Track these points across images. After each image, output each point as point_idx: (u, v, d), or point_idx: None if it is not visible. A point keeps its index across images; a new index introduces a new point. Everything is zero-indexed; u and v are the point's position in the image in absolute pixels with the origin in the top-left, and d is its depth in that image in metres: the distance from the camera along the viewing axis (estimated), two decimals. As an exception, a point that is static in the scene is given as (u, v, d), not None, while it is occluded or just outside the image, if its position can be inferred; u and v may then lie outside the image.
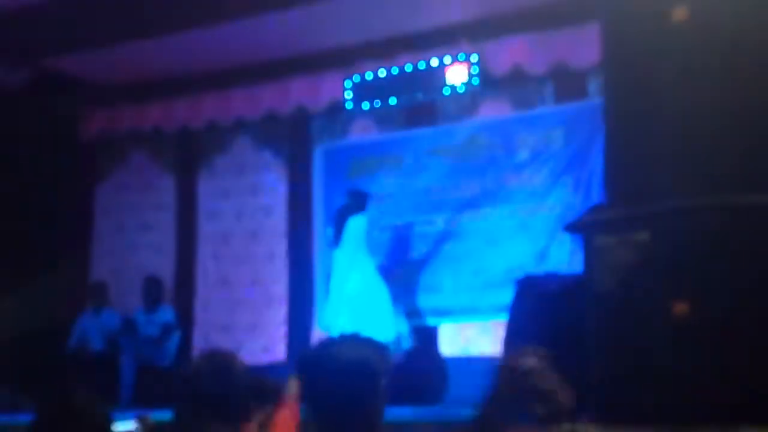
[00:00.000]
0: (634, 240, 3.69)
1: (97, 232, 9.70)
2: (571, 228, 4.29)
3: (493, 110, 8.21)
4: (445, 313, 8.11)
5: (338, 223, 7.69)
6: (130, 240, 9.54)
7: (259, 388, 2.92)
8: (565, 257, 7.54)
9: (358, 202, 7.74)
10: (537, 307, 4.41)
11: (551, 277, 5.01)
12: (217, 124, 9.13)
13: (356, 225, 7.59)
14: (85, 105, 9.44)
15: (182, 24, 7.94)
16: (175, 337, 8.67)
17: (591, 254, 3.91)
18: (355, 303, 7.36)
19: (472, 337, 8.05)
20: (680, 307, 3.60)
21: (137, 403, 7.55)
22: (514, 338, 4.67)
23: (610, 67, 4.22)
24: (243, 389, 2.54)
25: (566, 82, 7.88)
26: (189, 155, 9.49)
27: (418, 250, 8.29)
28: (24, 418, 2.55)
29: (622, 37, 4.14)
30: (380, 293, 7.52)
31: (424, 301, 8.18)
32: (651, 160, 3.77)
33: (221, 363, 2.53)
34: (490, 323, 7.71)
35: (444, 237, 8.18)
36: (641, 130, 3.87)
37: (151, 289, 8.77)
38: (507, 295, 6.03)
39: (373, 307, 7.38)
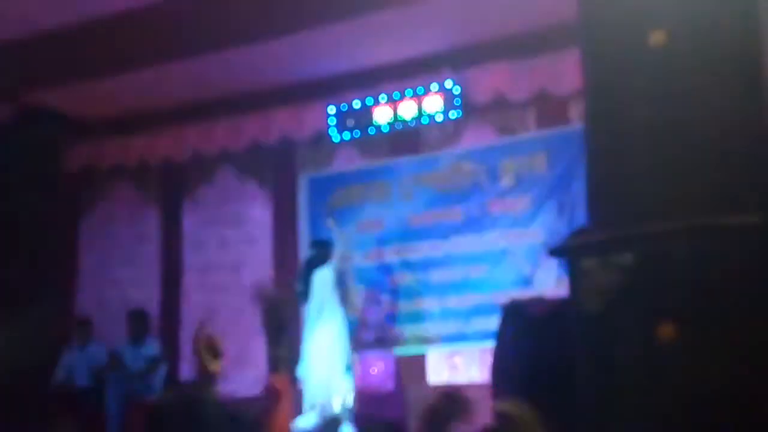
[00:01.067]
0: (618, 262, 3.69)
1: (81, 266, 9.65)
2: (556, 252, 4.30)
3: (476, 137, 8.26)
4: (432, 340, 8.10)
5: (305, 277, 7.65)
6: (114, 273, 9.49)
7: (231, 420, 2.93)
8: (551, 282, 7.57)
9: (322, 253, 7.72)
10: (523, 331, 4.41)
11: (537, 302, 5.02)
12: (201, 154, 9.14)
13: (322, 278, 7.56)
14: (68, 139, 9.44)
15: (164, 57, 7.97)
16: (162, 370, 8.61)
17: (576, 277, 3.91)
18: (324, 357, 7.28)
19: (459, 365, 8.03)
20: (664, 330, 3.60)
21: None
22: (501, 363, 4.68)
23: (589, 93, 4.24)
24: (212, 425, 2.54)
25: (548, 108, 7.95)
26: (173, 186, 9.49)
27: (403, 277, 8.29)
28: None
29: (601, 62, 4.17)
30: (342, 351, 7.43)
31: (411, 329, 8.17)
32: (632, 182, 3.79)
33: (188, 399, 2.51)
34: (478, 350, 7.71)
35: (429, 264, 8.20)
36: (621, 154, 3.89)
37: (137, 323, 8.72)
38: (494, 322, 6.05)
39: (336, 363, 7.28)
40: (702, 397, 3.63)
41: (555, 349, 4.15)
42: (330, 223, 8.00)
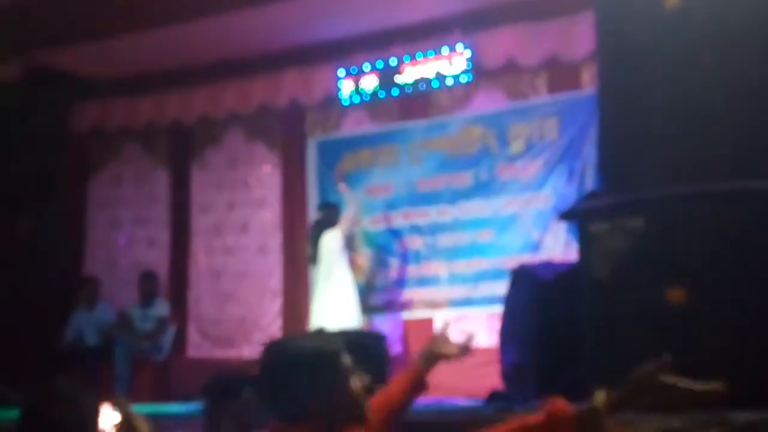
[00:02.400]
0: (628, 227, 3.69)
1: (90, 226, 9.68)
2: (566, 216, 4.29)
3: (487, 102, 8.21)
4: (440, 304, 8.11)
5: (313, 240, 7.67)
6: (124, 233, 9.52)
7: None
8: (559, 248, 7.55)
9: (329, 215, 7.73)
10: (532, 296, 4.41)
11: (546, 266, 5.01)
12: (209, 117, 9.11)
13: (330, 240, 7.56)
14: (77, 99, 9.41)
15: (174, 17, 7.92)
16: (170, 331, 8.66)
17: (585, 241, 3.91)
18: (334, 320, 7.29)
19: (467, 329, 8.03)
20: (674, 294, 3.60)
21: (132, 397, 7.53)
22: (510, 327, 4.68)
23: (603, 57, 4.22)
24: None
25: (559, 73, 7.88)
26: (182, 149, 9.48)
27: (412, 242, 8.29)
28: (15, 413, 2.54)
29: (615, 27, 4.14)
30: (351, 314, 7.44)
31: (419, 293, 8.19)
32: (645, 147, 3.77)
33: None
34: (485, 314, 7.72)
35: (438, 228, 8.19)
36: (635, 118, 3.87)
37: (146, 284, 8.77)
38: (501, 286, 6.05)
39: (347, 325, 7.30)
40: (710, 361, 3.64)
41: (563, 313, 4.16)
42: (342, 187, 8.00)
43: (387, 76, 8.31)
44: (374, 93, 8.37)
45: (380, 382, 2.46)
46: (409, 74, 8.22)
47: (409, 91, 8.27)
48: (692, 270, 3.64)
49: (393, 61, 8.25)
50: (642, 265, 3.69)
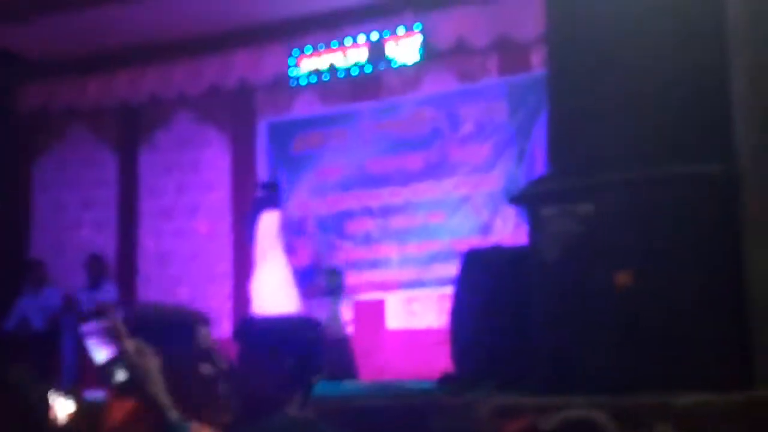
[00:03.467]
0: (578, 211, 3.71)
1: (35, 209, 9.49)
2: (516, 200, 4.30)
3: (437, 83, 8.21)
4: (391, 286, 8.12)
5: (251, 219, 7.60)
6: (70, 216, 9.35)
7: None
8: (509, 230, 7.60)
9: (270, 196, 7.66)
10: (483, 279, 4.43)
11: (496, 250, 5.04)
12: (158, 98, 8.97)
13: (268, 221, 7.51)
14: (21, 79, 9.19)
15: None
16: (119, 316, 8.53)
17: (535, 225, 3.93)
18: (270, 303, 7.25)
19: (418, 310, 8.07)
20: (622, 277, 3.64)
21: (80, 383, 7.42)
22: (460, 310, 4.69)
23: (553, 37, 4.23)
24: None
25: (510, 55, 7.90)
26: (130, 130, 9.33)
27: (363, 223, 8.28)
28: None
29: (565, 9, 4.14)
30: (288, 297, 7.41)
31: (370, 275, 8.18)
32: (594, 131, 3.79)
33: None
34: (436, 295, 7.75)
35: (389, 210, 8.19)
36: (584, 102, 3.89)
37: (94, 266, 8.60)
38: (452, 268, 6.07)
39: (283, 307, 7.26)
40: (654, 343, 3.69)
41: (513, 296, 4.18)
42: None
43: (338, 57, 8.26)
44: (325, 74, 8.31)
45: (311, 370, 2.43)
46: (359, 55, 8.18)
47: (359, 72, 8.23)
48: (640, 253, 3.67)
49: (345, 41, 8.19)
50: (590, 248, 3.72)
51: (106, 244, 9.13)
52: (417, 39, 7.97)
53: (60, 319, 8.27)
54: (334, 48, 8.25)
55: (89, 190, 9.34)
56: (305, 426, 2.26)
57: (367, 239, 8.26)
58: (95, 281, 8.49)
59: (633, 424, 3.49)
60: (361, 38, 8.14)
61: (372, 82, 8.39)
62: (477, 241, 7.56)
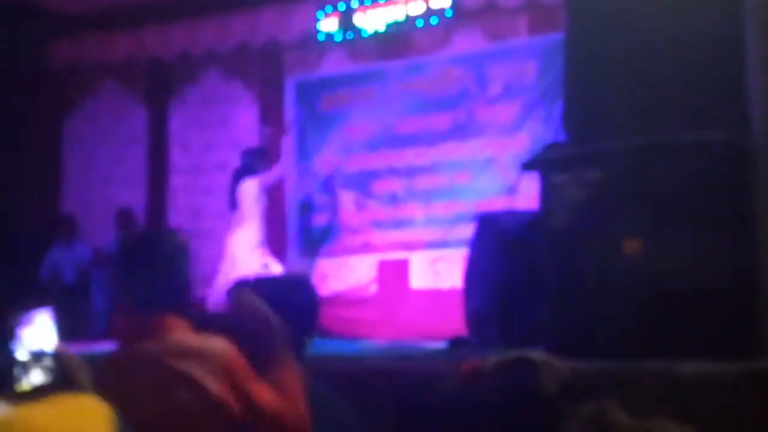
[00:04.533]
0: (588, 178, 3.69)
1: (67, 164, 9.62)
2: (529, 165, 4.29)
3: (466, 43, 8.13)
4: (416, 246, 8.14)
5: (232, 185, 7.61)
6: (100, 172, 9.47)
7: None
8: (535, 191, 7.53)
9: (251, 163, 7.63)
10: (495, 244, 4.43)
11: (510, 215, 5.04)
12: (187, 54, 9.01)
13: (246, 189, 7.50)
14: (51, 35, 9.27)
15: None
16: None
17: (546, 192, 3.92)
18: (239, 268, 7.29)
19: (442, 270, 8.09)
20: (631, 245, 3.62)
21: (110, 336, 7.58)
22: (473, 275, 4.71)
23: (572, 4, 4.18)
24: None
25: (540, 14, 7.79)
26: (159, 86, 9.39)
27: (388, 183, 8.29)
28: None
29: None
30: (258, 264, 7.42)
31: (395, 234, 8.21)
32: (607, 98, 3.76)
33: None
34: (461, 256, 7.74)
35: (415, 171, 8.18)
36: (599, 69, 3.85)
37: (124, 221, 8.74)
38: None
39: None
40: (666, 311, 3.68)
41: (525, 262, 4.19)
42: None
43: (366, 15, 8.21)
44: (353, 32, 8.27)
45: (303, 330, 2.46)
46: (388, 13, 8.13)
47: (388, 30, 8.18)
48: (649, 221, 3.65)
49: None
50: (600, 216, 3.71)
51: (136, 199, 9.25)
52: (446, -3, 7.89)
53: (90, 273, 8.43)
54: (363, 5, 8.19)
55: (119, 145, 9.45)
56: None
57: (393, 199, 8.27)
58: (125, 236, 8.63)
59: (638, 391, 3.50)
60: (391, -4, 8.08)
61: (400, 41, 8.33)
62: (502, 203, 7.55)
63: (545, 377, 1.80)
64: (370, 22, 8.21)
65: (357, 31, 8.27)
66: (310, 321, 2.51)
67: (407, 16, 8.09)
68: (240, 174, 7.63)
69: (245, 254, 7.44)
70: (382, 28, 8.19)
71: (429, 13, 8.00)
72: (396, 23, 8.13)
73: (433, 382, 3.75)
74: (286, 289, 2.47)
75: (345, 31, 8.30)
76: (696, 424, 3.37)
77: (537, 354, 1.86)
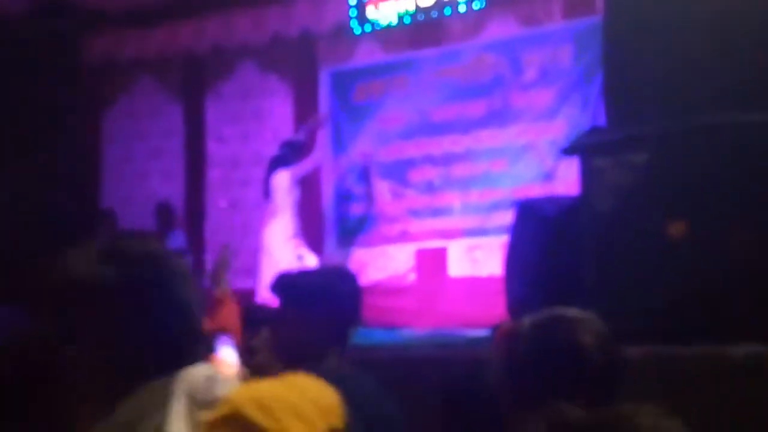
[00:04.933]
0: (631, 161, 3.66)
1: (105, 160, 9.73)
2: (569, 150, 4.25)
3: (500, 28, 8.08)
4: (454, 234, 8.13)
5: (266, 176, 7.66)
6: (139, 167, 9.57)
7: None
8: (573, 177, 7.49)
9: (285, 154, 7.68)
10: (536, 230, 4.41)
11: (551, 200, 5.00)
12: (222, 48, 9.06)
13: (279, 180, 7.55)
14: (86, 31, 9.35)
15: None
16: (188, 263, 8.74)
17: (588, 176, 3.89)
18: (275, 258, 7.31)
19: (480, 258, 8.07)
20: (676, 228, 3.59)
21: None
22: (514, 262, 4.69)
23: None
24: None
25: (574, -2, 7.73)
26: (195, 80, 9.45)
27: (425, 172, 8.28)
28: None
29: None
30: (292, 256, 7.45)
31: (432, 223, 8.20)
32: (649, 81, 3.72)
33: None
34: (498, 244, 7.72)
35: (451, 158, 8.16)
36: (640, 50, 3.81)
37: (163, 215, 8.83)
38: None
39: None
40: (710, 295, 3.64)
41: (567, 248, 4.16)
42: None
43: (399, 3, 8.19)
44: (386, 21, 8.26)
45: (347, 322, 2.47)
46: (420, 1, 8.10)
47: (421, 18, 8.15)
48: (694, 203, 3.61)
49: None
50: (644, 199, 3.68)
51: (174, 193, 9.33)
52: (479, -17, 7.85)
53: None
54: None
55: (156, 140, 9.54)
56: (345, 379, 2.32)
57: (429, 187, 8.25)
58: (164, 230, 8.72)
59: (687, 375, 3.48)
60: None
61: (433, 29, 8.31)
62: (539, 190, 7.50)
63: (582, 333, 1.80)
64: (403, 9, 8.18)
65: (390, 19, 8.24)
66: (354, 312, 2.52)
67: (439, 4, 8.05)
68: (273, 165, 7.67)
69: (279, 246, 7.49)
70: (415, 16, 8.15)
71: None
72: (428, 11, 8.09)
73: (478, 369, 3.74)
74: (329, 280, 2.48)
75: (377, 21, 8.29)
76: (745, 406, 3.34)
77: (572, 311, 1.86)
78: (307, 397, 1.31)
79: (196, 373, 1.41)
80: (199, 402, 1.35)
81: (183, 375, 1.40)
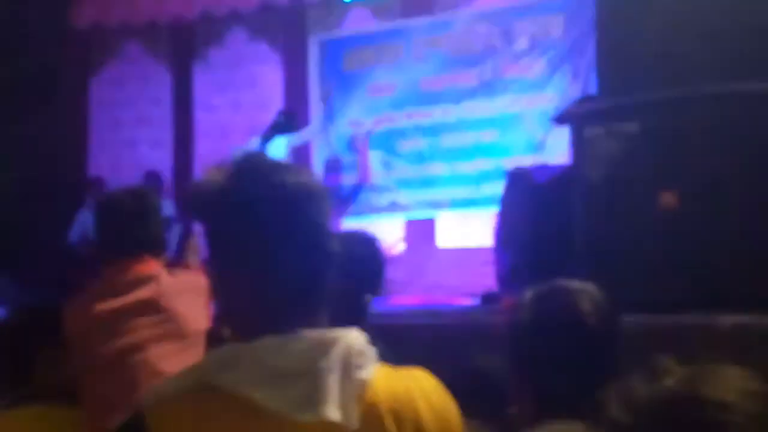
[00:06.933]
0: (623, 131, 3.65)
1: (93, 126, 9.64)
2: (560, 119, 4.24)
3: (491, -2, 8.03)
4: (443, 205, 8.12)
5: (262, 144, 7.64)
6: (126, 134, 9.49)
7: None
8: (563, 148, 7.48)
9: (284, 124, 7.66)
10: (527, 198, 4.40)
11: (541, 169, 4.99)
12: (211, 15, 8.96)
13: (275, 148, 7.53)
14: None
15: None
16: (176, 231, 8.71)
17: (580, 145, 3.88)
18: None
19: (470, 229, 8.07)
20: (667, 198, 3.59)
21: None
22: (505, 230, 4.69)
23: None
24: None
25: (565, -33, 7.67)
26: (183, 47, 9.35)
27: (414, 142, 8.25)
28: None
29: None
30: None
31: (421, 193, 8.19)
32: (641, 51, 3.70)
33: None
34: (488, 215, 7.72)
35: (441, 129, 8.13)
36: (633, 19, 3.79)
37: (151, 183, 8.76)
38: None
39: None
40: (700, 263, 3.65)
41: (558, 216, 4.16)
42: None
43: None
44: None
45: (365, 288, 2.39)
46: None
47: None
48: (685, 174, 3.61)
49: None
50: (635, 169, 3.67)
51: (163, 161, 9.27)
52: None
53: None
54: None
55: (144, 107, 9.44)
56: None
57: (419, 158, 8.23)
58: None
59: (675, 344, 3.49)
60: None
61: (424, -2, 8.25)
62: (529, 160, 7.49)
63: (582, 303, 1.82)
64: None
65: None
66: (372, 279, 2.42)
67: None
68: (272, 132, 7.64)
69: None
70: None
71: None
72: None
73: (472, 336, 3.75)
74: (345, 244, 2.39)
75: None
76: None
77: (572, 282, 1.87)
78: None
79: (352, 340, 1.35)
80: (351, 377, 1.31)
81: (340, 336, 1.34)
